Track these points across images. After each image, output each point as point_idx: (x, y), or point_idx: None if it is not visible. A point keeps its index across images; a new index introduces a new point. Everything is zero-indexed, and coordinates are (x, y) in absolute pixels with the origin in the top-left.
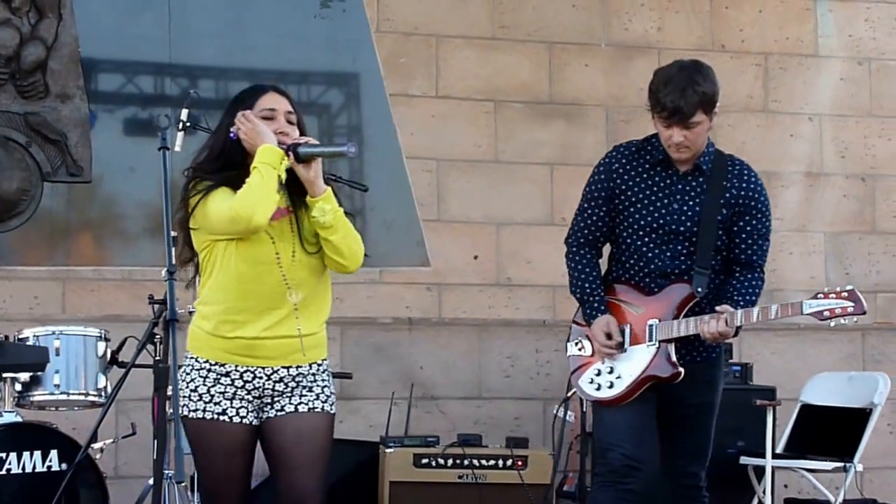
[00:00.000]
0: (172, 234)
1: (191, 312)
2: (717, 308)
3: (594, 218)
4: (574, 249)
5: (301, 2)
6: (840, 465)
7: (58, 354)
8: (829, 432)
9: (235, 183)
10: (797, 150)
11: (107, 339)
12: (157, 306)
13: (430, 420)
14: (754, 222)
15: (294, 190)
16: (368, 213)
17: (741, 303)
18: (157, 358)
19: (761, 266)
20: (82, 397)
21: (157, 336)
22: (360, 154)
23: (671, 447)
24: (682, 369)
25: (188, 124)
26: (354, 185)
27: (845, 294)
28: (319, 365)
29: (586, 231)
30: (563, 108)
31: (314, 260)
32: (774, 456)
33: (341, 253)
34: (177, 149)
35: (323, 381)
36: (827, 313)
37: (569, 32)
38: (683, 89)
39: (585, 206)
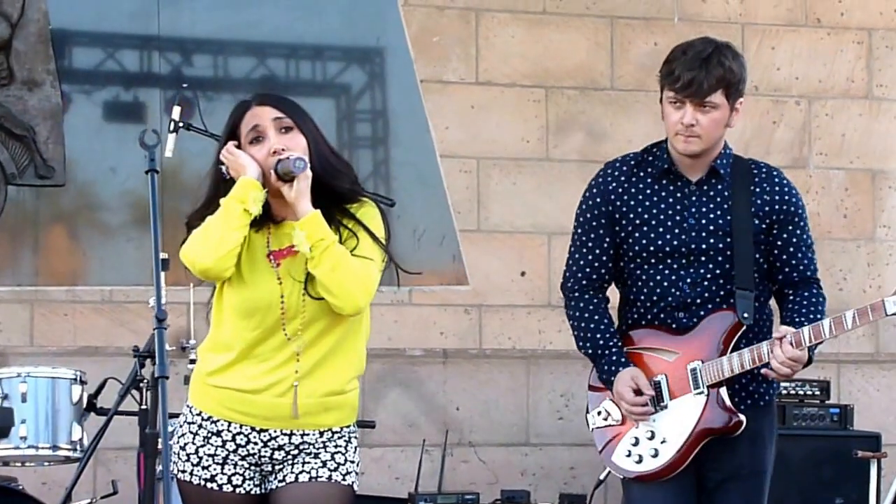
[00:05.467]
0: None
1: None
2: (776, 333)
3: (596, 252)
4: (576, 296)
5: None
6: None
7: (24, 401)
8: None
9: None
10: None
11: (83, 382)
12: (143, 360)
13: (468, 471)
14: (798, 231)
15: None
16: (395, 223)
17: (805, 324)
18: (144, 407)
19: (818, 281)
20: (53, 452)
21: (144, 381)
22: (385, 150)
23: None
24: (742, 416)
25: (180, 125)
26: (379, 198)
27: None
28: (336, 432)
29: (588, 270)
30: (626, 96)
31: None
32: None
33: (328, 290)
34: (168, 154)
35: (336, 447)
36: None
37: (634, 5)
38: (706, 59)
39: (584, 239)
